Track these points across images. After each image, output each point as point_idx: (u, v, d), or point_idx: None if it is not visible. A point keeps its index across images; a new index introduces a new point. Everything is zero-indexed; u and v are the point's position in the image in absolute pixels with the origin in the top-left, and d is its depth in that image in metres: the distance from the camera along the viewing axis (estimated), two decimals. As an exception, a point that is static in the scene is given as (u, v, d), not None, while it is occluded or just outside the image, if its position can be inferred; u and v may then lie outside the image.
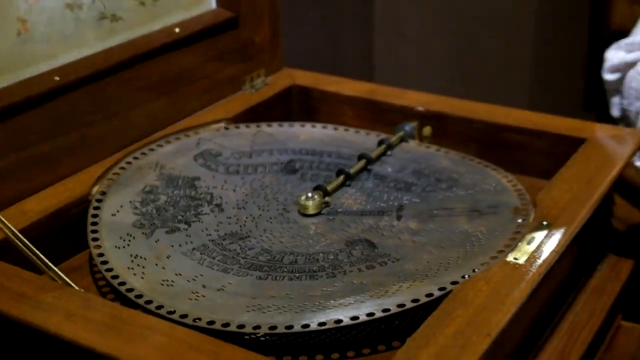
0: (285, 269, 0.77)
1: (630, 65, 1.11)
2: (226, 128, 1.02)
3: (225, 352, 0.63)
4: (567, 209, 0.81)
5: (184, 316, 0.70)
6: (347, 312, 0.69)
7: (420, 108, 1.03)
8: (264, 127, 1.03)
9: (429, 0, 1.78)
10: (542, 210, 0.81)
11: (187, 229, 0.84)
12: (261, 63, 1.12)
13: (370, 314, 0.68)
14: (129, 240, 0.82)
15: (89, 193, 0.87)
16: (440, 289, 0.70)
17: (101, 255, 0.79)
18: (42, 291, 0.70)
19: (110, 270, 0.77)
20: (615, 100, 1.14)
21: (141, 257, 0.79)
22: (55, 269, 0.74)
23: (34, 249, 0.75)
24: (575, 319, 0.87)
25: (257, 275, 0.77)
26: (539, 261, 0.73)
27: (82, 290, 0.73)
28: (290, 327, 0.68)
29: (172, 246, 0.81)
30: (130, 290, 0.74)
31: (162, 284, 0.75)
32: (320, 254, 0.79)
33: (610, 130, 0.97)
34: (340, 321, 0.68)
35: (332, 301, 0.71)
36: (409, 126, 1.00)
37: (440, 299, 0.69)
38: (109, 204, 0.87)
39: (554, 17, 1.85)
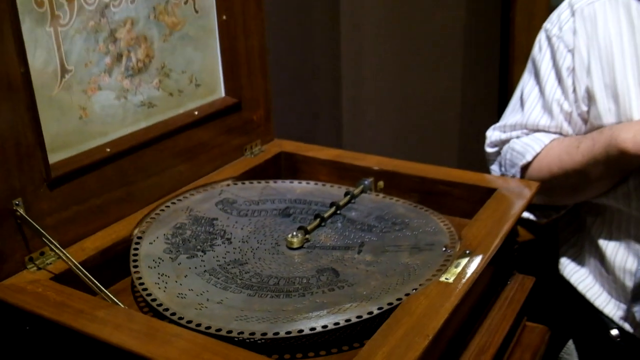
0: (269, 289, 0.77)
1: (505, 141, 1.12)
2: (235, 184, 1.02)
3: (232, 353, 0.63)
4: (484, 241, 0.81)
5: (190, 322, 0.70)
6: (309, 324, 0.69)
7: (375, 167, 1.03)
8: (271, 182, 1.03)
9: (383, 90, 1.80)
10: (465, 242, 0.81)
11: (202, 256, 0.84)
12: (258, 136, 1.11)
13: (324, 326, 0.68)
14: (159, 263, 0.82)
15: (131, 234, 0.86)
16: (379, 308, 0.70)
17: (137, 272, 0.79)
18: (96, 308, 0.70)
19: (142, 284, 0.77)
20: (495, 168, 1.15)
21: (166, 276, 0.79)
22: (106, 291, 0.74)
23: (90, 276, 0.75)
24: (492, 321, 0.87)
25: (248, 293, 0.76)
26: (464, 280, 0.73)
27: (126, 307, 0.73)
28: (265, 334, 0.68)
29: (190, 268, 0.81)
30: (154, 300, 0.74)
31: (178, 296, 0.75)
32: (297, 278, 0.79)
33: (514, 182, 0.98)
34: (302, 331, 0.68)
35: (299, 315, 0.71)
36: (368, 181, 1.00)
37: (379, 315, 0.69)
38: (149, 235, 0.87)
39: (474, 98, 1.88)
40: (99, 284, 0.74)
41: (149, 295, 0.76)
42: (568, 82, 1.05)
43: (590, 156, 1.00)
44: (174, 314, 0.72)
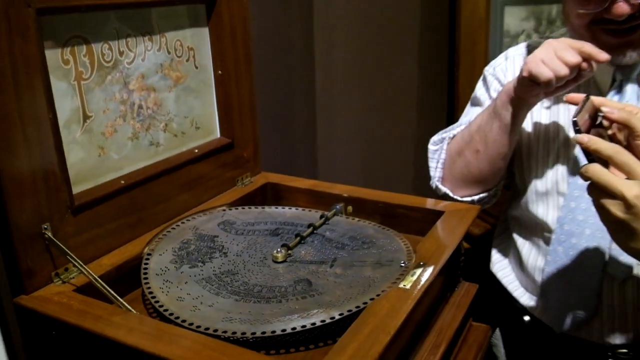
0: (253, 295, 0.77)
1: (442, 139, 1.14)
2: (236, 208, 1.01)
3: (228, 350, 0.63)
4: (435, 254, 0.82)
5: (184, 321, 0.70)
6: (281, 326, 0.69)
7: (345, 194, 1.04)
8: (266, 208, 1.03)
9: (352, 129, 1.82)
10: (420, 255, 0.81)
11: (202, 266, 0.83)
12: (248, 169, 1.12)
13: (293, 328, 0.69)
14: (165, 271, 0.82)
15: (142, 251, 0.86)
16: (340, 314, 0.71)
17: (146, 283, 0.79)
18: (113, 314, 0.70)
19: (149, 288, 0.77)
20: (432, 165, 1.14)
21: (169, 282, 0.79)
22: (121, 300, 0.74)
23: (107, 288, 0.75)
24: (443, 321, 0.88)
25: (235, 299, 0.76)
26: (419, 286, 0.74)
27: (138, 313, 0.73)
28: (244, 333, 0.68)
29: (190, 276, 0.81)
30: (157, 301, 0.75)
31: (177, 299, 0.75)
32: (277, 287, 0.79)
33: (458, 205, 0.99)
34: (274, 332, 0.68)
35: (274, 318, 0.71)
36: (339, 206, 1.01)
37: (341, 319, 0.70)
38: (159, 249, 0.87)
39: (426, 137, 1.91)
40: (115, 294, 0.74)
41: (153, 297, 0.76)
42: None
43: (487, 110, 1.02)
44: (171, 314, 0.72)
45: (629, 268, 0.93)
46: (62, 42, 0.79)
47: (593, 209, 0.90)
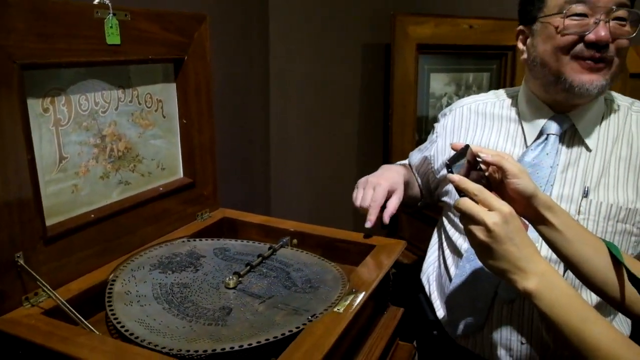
0: (178, 309, 0.74)
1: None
2: (242, 241, 0.99)
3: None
4: (366, 282, 0.82)
5: (112, 312, 0.70)
6: (167, 344, 0.65)
7: (291, 229, 1.03)
8: (256, 243, 0.99)
9: (301, 173, 1.83)
10: (353, 283, 0.82)
11: (169, 274, 0.81)
12: (207, 205, 1.11)
13: (171, 349, 0.64)
14: (140, 269, 0.81)
15: (108, 277, 0.84)
16: (213, 350, 0.65)
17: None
18: (78, 335, 0.69)
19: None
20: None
21: (134, 277, 0.78)
22: (85, 322, 0.72)
23: (73, 311, 0.73)
24: (373, 341, 0.88)
25: (164, 307, 0.74)
26: (351, 310, 0.74)
27: (100, 334, 0.71)
28: (137, 337, 0.66)
29: (153, 278, 0.79)
30: (111, 288, 0.75)
31: (125, 293, 0.74)
32: (201, 308, 0.73)
33: (388, 240, 0.99)
34: (157, 345, 0.65)
35: (168, 335, 0.67)
36: (286, 239, 1.00)
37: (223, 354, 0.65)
38: (152, 254, 0.85)
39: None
40: (80, 317, 0.72)
41: (112, 284, 0.74)
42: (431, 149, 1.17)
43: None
44: (110, 301, 0.71)
45: (515, 293, 0.94)
46: (43, 93, 0.78)
47: None
